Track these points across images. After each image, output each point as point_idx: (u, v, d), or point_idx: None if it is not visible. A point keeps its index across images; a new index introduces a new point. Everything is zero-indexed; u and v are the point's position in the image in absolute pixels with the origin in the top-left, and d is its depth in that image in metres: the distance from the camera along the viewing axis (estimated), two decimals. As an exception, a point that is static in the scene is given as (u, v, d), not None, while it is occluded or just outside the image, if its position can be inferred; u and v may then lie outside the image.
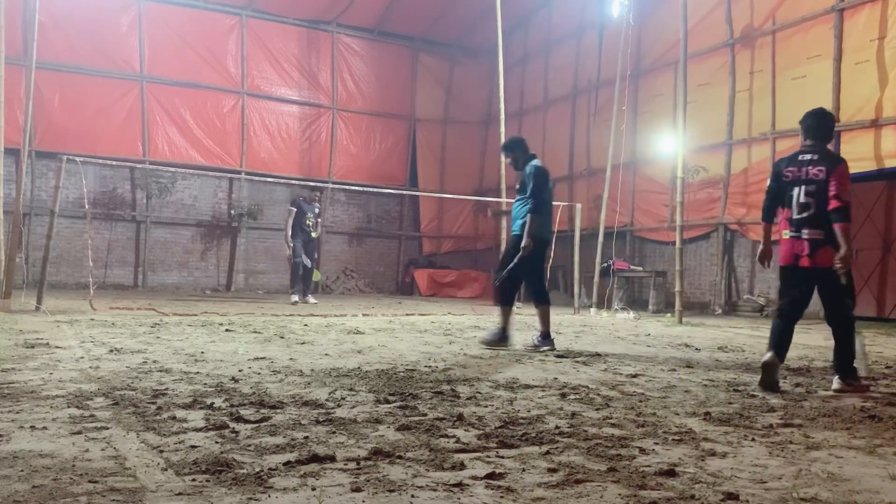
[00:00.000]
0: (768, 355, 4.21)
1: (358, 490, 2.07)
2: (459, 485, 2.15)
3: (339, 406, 3.28)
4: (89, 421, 2.83)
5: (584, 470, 2.34)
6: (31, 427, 2.69)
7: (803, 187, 4.31)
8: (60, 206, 9.25)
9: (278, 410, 3.13)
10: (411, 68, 18.28)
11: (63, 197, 11.23)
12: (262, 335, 6.42)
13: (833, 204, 4.18)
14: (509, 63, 16.74)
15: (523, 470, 2.34)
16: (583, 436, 2.83)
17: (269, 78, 16.46)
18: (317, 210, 11.82)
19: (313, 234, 11.65)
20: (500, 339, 6.09)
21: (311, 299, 11.72)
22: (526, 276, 6.24)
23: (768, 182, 4.61)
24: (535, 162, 6.29)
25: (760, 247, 4.70)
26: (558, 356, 5.50)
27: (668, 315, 10.63)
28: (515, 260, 6.05)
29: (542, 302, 6.15)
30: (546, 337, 6.02)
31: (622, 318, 10.50)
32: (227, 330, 6.79)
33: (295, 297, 11.56)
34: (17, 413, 2.93)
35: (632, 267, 13.00)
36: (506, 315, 6.14)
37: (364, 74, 17.64)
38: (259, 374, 4.18)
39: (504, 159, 6.35)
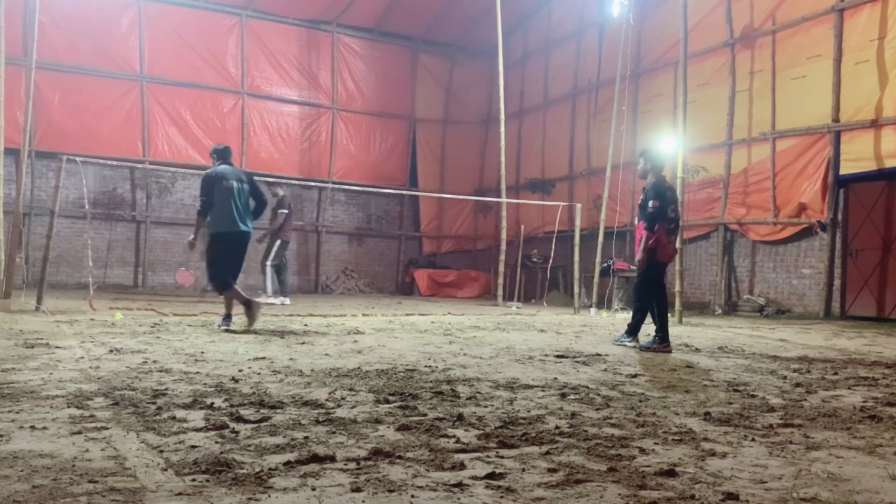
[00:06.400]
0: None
1: (358, 490, 2.07)
2: (459, 485, 2.14)
3: (339, 406, 3.28)
4: (89, 421, 2.83)
5: (584, 470, 2.34)
6: (31, 427, 2.69)
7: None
8: (60, 206, 9.24)
9: (278, 410, 3.13)
10: (411, 68, 18.28)
11: (63, 197, 11.23)
12: (262, 335, 6.42)
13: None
14: (509, 63, 16.76)
15: (523, 470, 2.33)
16: (583, 436, 2.83)
17: (269, 78, 16.47)
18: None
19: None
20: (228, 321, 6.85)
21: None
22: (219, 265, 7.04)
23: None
24: (211, 168, 7.07)
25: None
26: (558, 356, 5.49)
27: (668, 315, 10.60)
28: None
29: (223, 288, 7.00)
30: (228, 318, 6.93)
31: (622, 318, 10.48)
32: (226, 330, 6.79)
33: (287, 300, 11.42)
34: (17, 413, 2.93)
35: (632, 267, 12.97)
36: (227, 300, 6.97)
37: (364, 74, 17.64)
38: (259, 374, 4.18)
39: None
